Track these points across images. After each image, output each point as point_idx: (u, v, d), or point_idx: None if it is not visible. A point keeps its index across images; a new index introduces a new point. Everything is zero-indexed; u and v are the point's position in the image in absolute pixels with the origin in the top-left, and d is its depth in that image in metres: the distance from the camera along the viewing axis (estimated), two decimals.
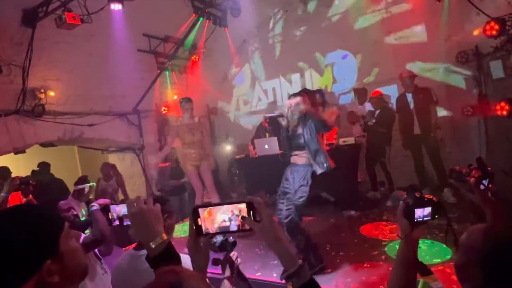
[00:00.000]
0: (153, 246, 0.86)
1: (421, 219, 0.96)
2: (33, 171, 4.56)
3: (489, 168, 1.38)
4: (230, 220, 0.85)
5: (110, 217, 1.22)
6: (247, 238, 3.45)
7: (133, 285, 1.33)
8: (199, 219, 0.87)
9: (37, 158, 4.97)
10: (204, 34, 5.63)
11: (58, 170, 5.07)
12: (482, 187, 1.32)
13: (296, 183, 2.85)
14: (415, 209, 0.96)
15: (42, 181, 3.73)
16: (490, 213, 1.29)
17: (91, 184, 3.27)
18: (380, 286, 2.44)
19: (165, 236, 0.89)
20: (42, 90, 4.17)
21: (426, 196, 0.97)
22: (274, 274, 2.85)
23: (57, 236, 0.70)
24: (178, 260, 0.88)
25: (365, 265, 2.83)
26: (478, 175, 1.33)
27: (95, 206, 1.82)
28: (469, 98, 4.42)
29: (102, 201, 1.86)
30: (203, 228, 0.87)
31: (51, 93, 4.32)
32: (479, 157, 1.40)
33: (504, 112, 3.07)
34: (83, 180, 3.58)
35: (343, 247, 3.24)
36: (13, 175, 3.88)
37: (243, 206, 0.83)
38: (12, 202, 2.32)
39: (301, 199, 2.81)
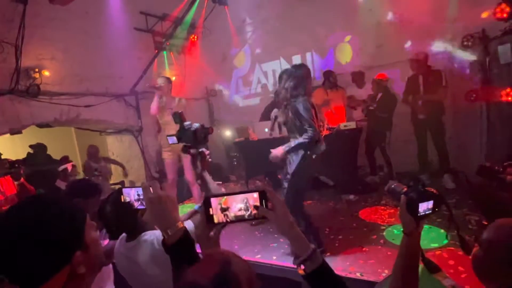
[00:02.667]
0: (170, 233, 0.86)
1: (424, 213, 0.94)
2: (29, 154, 4.50)
3: None
4: (245, 209, 0.86)
5: (122, 200, 1.21)
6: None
7: (138, 275, 1.33)
8: (210, 209, 0.87)
9: (34, 138, 4.90)
10: (203, 13, 5.45)
11: (56, 151, 5.02)
12: None
13: (293, 165, 2.80)
14: (419, 204, 0.93)
15: (34, 165, 3.67)
16: None
17: (74, 163, 3.29)
18: (378, 270, 2.48)
19: (181, 224, 0.89)
20: (37, 70, 4.05)
21: (428, 189, 0.95)
22: (273, 257, 2.89)
23: (83, 227, 0.71)
24: (194, 247, 0.89)
25: (364, 249, 2.87)
26: None
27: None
28: (473, 83, 4.35)
29: None
30: (215, 218, 0.88)
31: (46, 73, 4.20)
32: None
33: (510, 98, 3.03)
34: (64, 160, 3.60)
35: (342, 231, 3.28)
36: (10, 156, 3.84)
37: (256, 195, 0.85)
38: (5, 185, 2.28)
39: (300, 181, 2.76)
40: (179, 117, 1.54)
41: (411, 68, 4.38)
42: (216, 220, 0.88)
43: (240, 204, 0.87)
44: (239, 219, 0.88)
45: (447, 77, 4.15)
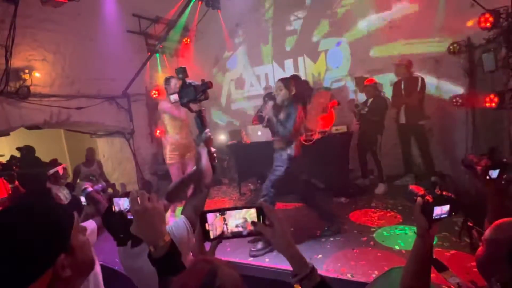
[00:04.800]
0: (157, 247, 0.86)
1: (438, 217, 0.95)
2: (12, 156, 4.39)
3: (504, 160, 1.38)
4: (242, 225, 0.85)
5: (113, 210, 1.20)
6: None
7: (145, 280, 1.31)
8: (206, 224, 0.86)
9: (22, 140, 4.81)
10: (196, 16, 5.47)
11: (44, 154, 4.93)
12: (488, 176, 1.32)
13: (275, 164, 3.13)
14: (435, 207, 0.94)
15: (22, 168, 3.59)
16: (491, 203, 1.31)
17: (65, 166, 3.25)
18: (369, 271, 2.53)
19: (167, 237, 0.88)
20: (27, 71, 4.00)
21: (445, 193, 0.96)
22: (266, 259, 2.91)
23: (69, 230, 0.71)
24: (180, 259, 0.88)
25: (354, 250, 2.92)
26: (486, 164, 1.34)
27: (89, 188, 1.78)
28: (459, 89, 4.50)
29: (87, 184, 1.82)
30: (211, 233, 0.87)
31: (36, 74, 4.15)
32: (492, 147, 1.43)
33: (493, 104, 3.15)
34: (54, 163, 3.53)
35: (333, 233, 3.32)
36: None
37: (253, 211, 0.84)
38: None
39: (276, 177, 3.06)
40: (182, 72, 1.53)
41: (395, 73, 4.55)
42: (212, 236, 0.87)
43: (237, 220, 0.85)
44: (235, 235, 0.87)
45: (424, 84, 4.31)
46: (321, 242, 3.17)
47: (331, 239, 3.21)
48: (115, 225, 1.25)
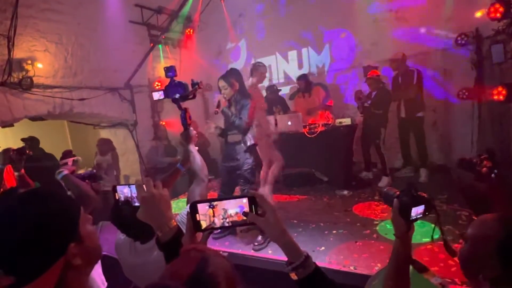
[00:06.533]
0: (164, 232, 0.88)
1: (415, 217, 0.96)
2: (26, 142, 4.43)
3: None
4: (234, 214, 0.84)
5: (117, 198, 1.19)
6: None
7: (143, 274, 1.32)
8: (197, 215, 0.85)
9: (25, 131, 4.83)
10: (199, 6, 5.40)
11: (48, 145, 4.95)
12: (493, 175, 1.33)
13: (241, 159, 3.13)
14: (412, 208, 0.95)
15: (36, 155, 3.62)
16: (497, 202, 1.32)
17: (75, 158, 3.24)
18: (372, 263, 2.54)
19: (174, 222, 0.90)
20: (29, 62, 3.97)
21: (420, 193, 0.97)
22: (269, 251, 2.93)
23: (77, 220, 0.72)
24: None
25: (357, 243, 2.93)
26: (490, 165, 1.34)
27: (64, 171, 1.77)
28: (466, 81, 4.42)
29: (69, 167, 1.83)
30: (203, 223, 0.85)
31: (39, 65, 4.13)
32: (490, 147, 1.43)
33: (501, 97, 3.08)
34: (67, 154, 3.53)
35: (336, 226, 3.33)
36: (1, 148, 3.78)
37: (245, 200, 0.82)
38: (7, 176, 2.26)
39: (250, 172, 3.12)
40: (172, 70, 1.52)
41: (391, 68, 4.52)
42: (203, 226, 0.85)
43: (229, 210, 0.83)
44: (228, 225, 0.85)
45: (420, 76, 4.27)
46: (324, 234, 3.18)
47: (334, 231, 3.22)
48: (126, 218, 1.24)
